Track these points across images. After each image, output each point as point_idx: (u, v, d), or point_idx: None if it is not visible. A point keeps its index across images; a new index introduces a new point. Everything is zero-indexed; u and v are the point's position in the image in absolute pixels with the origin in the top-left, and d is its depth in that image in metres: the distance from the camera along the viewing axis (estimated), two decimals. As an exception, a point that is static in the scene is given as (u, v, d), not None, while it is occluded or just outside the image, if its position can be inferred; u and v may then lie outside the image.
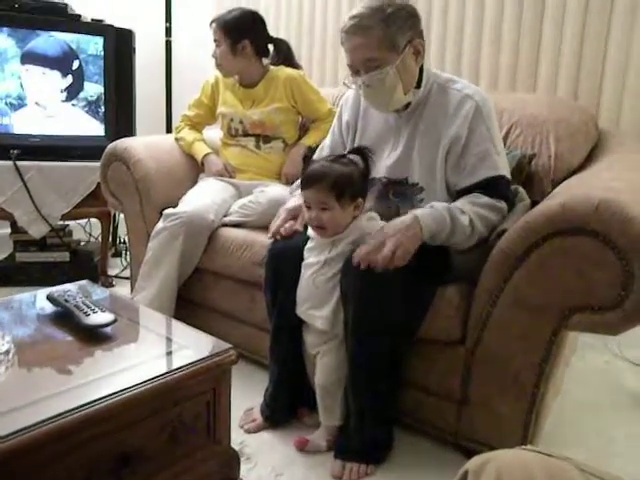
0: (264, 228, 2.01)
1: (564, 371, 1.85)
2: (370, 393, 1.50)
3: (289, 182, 2.22)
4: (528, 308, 1.40)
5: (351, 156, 1.55)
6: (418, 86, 1.59)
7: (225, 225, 2.07)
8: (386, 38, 1.45)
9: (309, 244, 1.59)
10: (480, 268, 1.50)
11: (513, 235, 1.40)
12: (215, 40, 2.20)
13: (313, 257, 1.56)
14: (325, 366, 1.57)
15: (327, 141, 1.90)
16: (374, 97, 1.56)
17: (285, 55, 2.31)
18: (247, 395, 1.75)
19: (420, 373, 1.59)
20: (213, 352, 1.14)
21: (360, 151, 1.55)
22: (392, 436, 1.59)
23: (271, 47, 2.29)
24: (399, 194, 1.62)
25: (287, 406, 1.68)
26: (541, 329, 1.40)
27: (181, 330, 1.28)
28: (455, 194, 1.56)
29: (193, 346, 1.17)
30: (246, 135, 2.26)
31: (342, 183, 1.47)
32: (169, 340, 1.22)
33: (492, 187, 1.53)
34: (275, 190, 2.10)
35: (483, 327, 1.48)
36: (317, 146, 2.22)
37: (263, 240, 1.91)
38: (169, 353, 1.15)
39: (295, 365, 1.65)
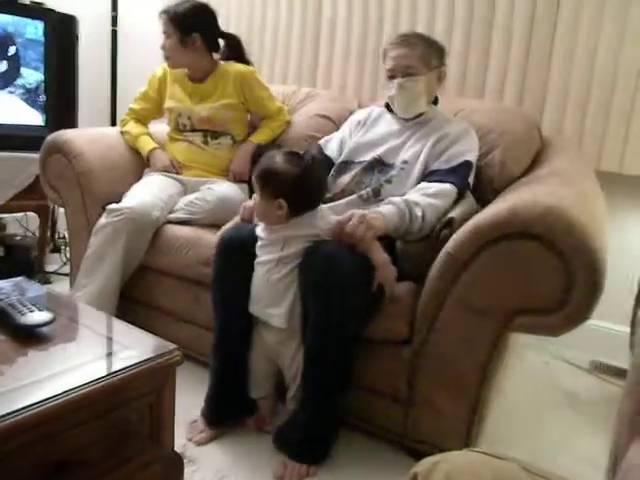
0: (210, 226, 1.98)
1: (504, 371, 1.89)
2: (323, 389, 1.50)
3: (236, 180, 2.19)
4: (473, 310, 1.43)
5: (307, 159, 1.53)
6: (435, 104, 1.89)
7: (170, 222, 2.02)
8: (424, 55, 1.77)
9: (260, 242, 1.57)
10: (422, 259, 1.57)
11: (461, 238, 1.42)
12: (164, 32, 2.14)
13: (265, 255, 1.54)
14: (292, 363, 1.57)
15: (337, 134, 2.02)
16: (403, 97, 1.80)
17: (236, 50, 2.27)
18: (190, 396, 1.70)
19: (366, 373, 1.60)
20: (157, 353, 1.10)
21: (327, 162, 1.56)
22: (337, 435, 1.59)
23: (221, 42, 2.25)
24: (382, 171, 1.80)
25: (232, 407, 1.65)
26: (485, 331, 1.43)
27: (123, 330, 1.23)
28: (427, 174, 1.74)
29: (136, 346, 1.12)
30: (194, 130, 2.21)
31: (267, 176, 1.51)
32: (110, 340, 1.17)
33: (453, 172, 1.70)
34: (223, 188, 2.06)
35: (429, 328, 1.50)
36: (265, 144, 2.23)
37: (209, 239, 1.88)
38: (110, 354, 1.10)
39: (243, 365, 1.62)
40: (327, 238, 1.50)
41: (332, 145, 1.95)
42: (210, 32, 2.18)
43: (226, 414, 1.65)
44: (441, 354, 1.49)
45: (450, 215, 1.60)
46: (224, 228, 1.76)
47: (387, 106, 1.91)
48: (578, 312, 1.31)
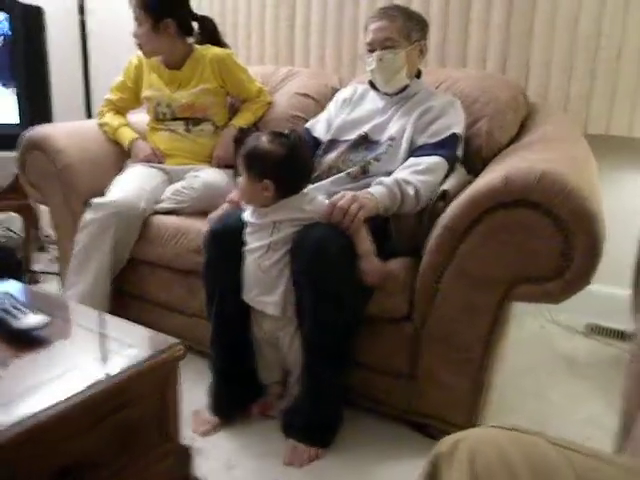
0: (199, 215, 1.95)
1: (505, 340, 1.90)
2: (327, 373, 1.49)
3: (220, 165, 2.15)
4: (473, 282, 1.42)
5: (293, 139, 1.50)
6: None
7: (157, 213, 1.98)
8: (404, 28, 1.74)
9: (248, 228, 1.54)
10: (418, 233, 1.58)
11: (456, 211, 1.41)
12: (136, 19, 2.08)
13: (255, 242, 1.52)
14: (291, 349, 1.56)
15: (323, 114, 1.97)
16: (382, 70, 1.76)
17: (211, 34, 2.22)
18: (191, 387, 1.68)
19: (367, 351, 1.59)
20: (159, 349, 1.08)
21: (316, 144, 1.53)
22: (342, 415, 1.58)
23: (195, 25, 2.19)
24: (368, 148, 1.77)
25: (237, 395, 1.64)
26: (486, 302, 1.42)
27: (122, 327, 1.20)
28: (413, 149, 1.71)
29: (137, 343, 1.10)
30: (174, 119, 2.16)
31: (253, 157, 1.48)
32: (109, 339, 1.14)
33: (441, 145, 1.68)
34: (209, 174, 2.02)
35: (429, 303, 1.49)
36: (248, 127, 2.18)
37: (199, 227, 1.85)
38: (111, 353, 1.08)
39: (245, 353, 1.61)
40: (317, 220, 1.48)
41: (320, 126, 1.92)
42: (183, 16, 2.12)
43: (231, 403, 1.64)
44: (442, 328, 1.48)
45: (443, 187, 1.58)
46: (211, 216, 1.73)
47: (371, 83, 1.88)
48: (578, 278, 1.31)
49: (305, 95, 2.23)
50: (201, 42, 2.19)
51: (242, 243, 1.55)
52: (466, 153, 1.80)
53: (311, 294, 1.43)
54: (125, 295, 2.03)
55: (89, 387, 0.93)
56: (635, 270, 1.27)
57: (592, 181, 1.43)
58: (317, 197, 1.53)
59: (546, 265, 1.33)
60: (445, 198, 1.56)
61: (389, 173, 1.69)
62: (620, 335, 2.18)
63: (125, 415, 1.01)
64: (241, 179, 1.52)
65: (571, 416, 1.70)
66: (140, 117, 2.33)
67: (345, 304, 1.45)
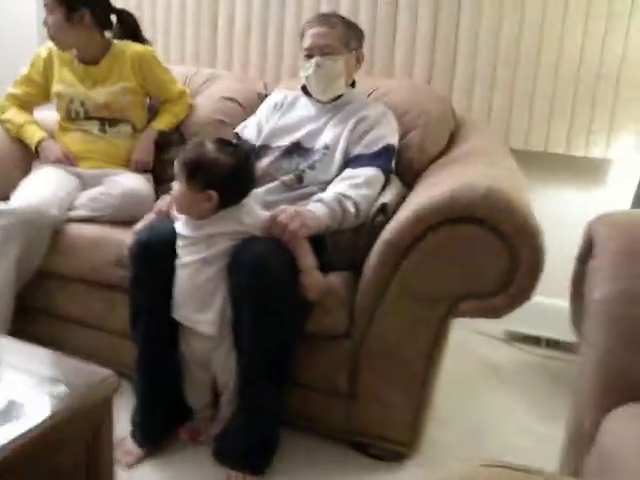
0: (118, 224, 1.80)
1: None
2: (265, 392, 1.42)
3: (139, 170, 2.00)
4: (417, 298, 1.40)
5: (243, 148, 1.42)
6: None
7: (71, 221, 1.81)
8: (344, 35, 1.71)
9: (180, 241, 1.43)
10: (355, 247, 1.55)
11: (401, 225, 1.38)
12: (46, 5, 1.89)
13: (189, 256, 1.41)
14: (224, 369, 1.46)
15: (253, 119, 1.88)
16: (320, 77, 1.70)
17: (131, 29, 2.06)
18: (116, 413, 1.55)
19: (305, 370, 1.52)
20: (90, 382, 0.96)
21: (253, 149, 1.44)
22: (278, 437, 1.51)
23: (114, 19, 2.03)
24: (301, 155, 1.70)
25: (163, 422, 1.52)
26: (430, 318, 1.41)
27: (44, 357, 1.06)
28: (348, 160, 1.67)
29: (63, 377, 0.97)
30: (89, 118, 1.99)
31: (198, 165, 1.37)
32: (30, 373, 0.99)
33: (377, 157, 1.64)
34: (130, 180, 1.88)
35: (370, 319, 1.45)
36: (169, 130, 2.07)
37: (120, 237, 1.71)
38: (29, 392, 0.93)
39: (172, 375, 1.50)
40: (255, 234, 1.41)
41: (250, 131, 1.83)
42: (100, 7, 1.95)
43: (157, 430, 1.52)
44: (384, 344, 1.45)
45: (382, 201, 1.55)
46: (137, 227, 1.60)
47: (304, 89, 1.82)
48: (522, 292, 1.33)
49: (231, 99, 2.13)
50: (120, 37, 2.04)
51: (173, 256, 1.44)
52: (398, 164, 1.78)
53: (251, 311, 1.35)
54: (31, 311, 1.84)
55: (9, 440, 0.79)
56: (572, 285, 1.30)
57: (526, 196, 1.45)
58: (254, 209, 1.45)
59: (491, 280, 1.33)
60: (384, 211, 1.53)
61: (324, 183, 1.65)
62: (537, 341, 2.25)
63: (50, 463, 0.88)
64: (176, 187, 1.40)
65: (505, 426, 1.72)
66: (46, 114, 2.13)
67: (286, 320, 1.38)
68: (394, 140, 1.71)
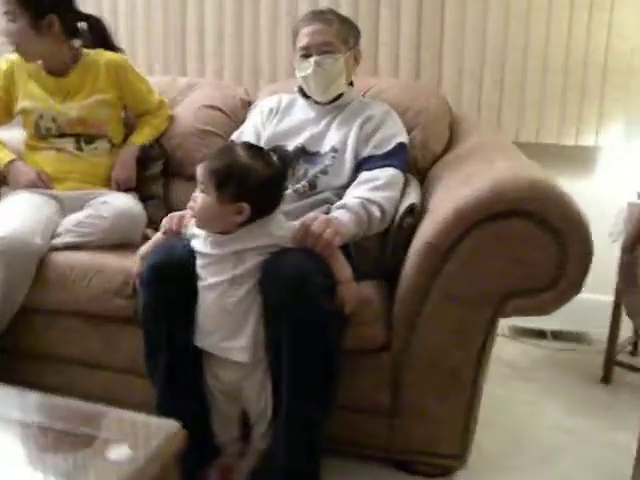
0: (111, 248, 1.64)
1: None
2: (308, 417, 1.29)
3: (120, 189, 1.84)
4: (461, 301, 1.32)
5: (274, 159, 1.29)
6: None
7: (56, 249, 1.63)
8: (341, 32, 1.62)
9: (201, 260, 1.29)
10: (382, 254, 1.48)
11: (441, 225, 1.29)
12: (6, 13, 1.71)
13: (213, 276, 1.27)
14: (258, 397, 1.33)
15: (248, 126, 1.74)
16: (320, 77, 1.60)
17: (101, 36, 1.89)
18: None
19: (342, 389, 1.40)
20: (156, 441, 0.81)
21: (277, 153, 1.31)
22: (319, 466, 1.39)
23: (84, 26, 1.86)
24: (309, 161, 1.61)
25: (192, 464, 1.36)
26: (477, 322, 1.33)
27: (85, 412, 0.90)
28: (360, 161, 1.58)
29: (121, 436, 0.82)
30: (62, 135, 1.80)
31: (229, 175, 1.24)
32: (78, 434, 0.83)
33: (391, 156, 1.56)
34: (120, 200, 1.71)
35: (411, 329, 1.36)
36: (150, 144, 1.92)
37: (117, 263, 1.56)
38: (93, 458, 0.78)
39: (198, 413, 1.35)
40: (286, 246, 1.29)
41: (247, 138, 1.69)
42: (69, 13, 1.78)
43: (185, 472, 1.36)
44: (428, 354, 1.36)
45: (410, 202, 1.46)
46: (143, 250, 1.44)
47: (301, 90, 1.72)
48: (573, 285, 1.27)
49: (213, 107, 2.00)
50: (89, 46, 1.87)
51: (191, 279, 1.30)
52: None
53: (291, 329, 1.23)
54: (16, 355, 1.64)
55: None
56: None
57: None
58: (282, 219, 1.34)
59: (541, 276, 1.27)
60: (413, 213, 1.45)
61: (337, 188, 1.56)
62: (543, 334, 2.23)
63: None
64: (200, 199, 1.26)
65: (538, 425, 1.68)
66: (6, 133, 1.92)
67: (328, 336, 1.27)
68: (405, 138, 1.63)
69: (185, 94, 2.09)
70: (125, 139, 1.93)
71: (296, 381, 1.26)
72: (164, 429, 0.82)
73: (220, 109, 2.01)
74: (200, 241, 1.31)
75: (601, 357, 1.93)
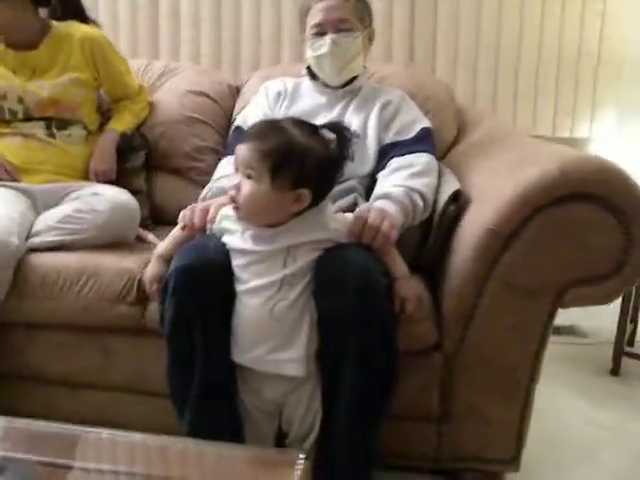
0: (102, 248, 1.41)
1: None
2: (372, 434, 1.15)
3: (100, 182, 1.61)
4: (520, 293, 1.22)
5: (328, 134, 1.13)
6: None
7: (35, 250, 1.39)
8: (358, 9, 1.50)
9: (241, 260, 1.11)
10: (423, 245, 1.37)
11: (501, 211, 1.19)
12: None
13: (259, 278, 1.09)
14: (307, 413, 1.15)
15: (252, 109, 1.57)
16: (337, 56, 1.47)
17: (74, 7, 1.66)
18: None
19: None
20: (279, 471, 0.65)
21: (337, 130, 1.15)
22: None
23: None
24: None
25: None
26: (536, 314, 1.24)
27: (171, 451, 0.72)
28: (384, 148, 1.47)
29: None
30: (29, 119, 1.56)
31: (287, 156, 1.06)
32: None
33: (419, 141, 1.46)
34: (114, 192, 1.48)
35: (465, 325, 1.25)
36: (131, 134, 1.71)
37: (114, 264, 1.35)
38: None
39: (236, 434, 1.16)
40: (340, 241, 1.14)
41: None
42: (36, -22, 1.55)
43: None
44: (483, 352, 1.25)
45: (453, 188, 1.35)
46: (160, 250, 1.24)
47: (310, 73, 1.57)
48: (635, 273, 1.21)
49: (200, 93, 1.82)
50: (61, 17, 1.63)
51: (230, 282, 1.12)
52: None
53: (358, 337, 1.08)
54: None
55: None
56: None
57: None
58: (332, 210, 1.19)
59: (606, 262, 1.19)
60: (457, 200, 1.34)
61: (362, 176, 1.44)
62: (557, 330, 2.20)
63: None
64: (250, 186, 1.07)
65: (572, 422, 1.63)
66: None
67: (393, 341, 1.13)
68: (428, 122, 1.53)
69: (163, 79, 1.88)
70: (100, 127, 1.70)
71: (361, 393, 1.11)
72: (285, 459, 0.65)
73: (208, 95, 1.83)
74: (237, 237, 1.13)
75: (600, 350, 1.92)
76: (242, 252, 1.11)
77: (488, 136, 1.65)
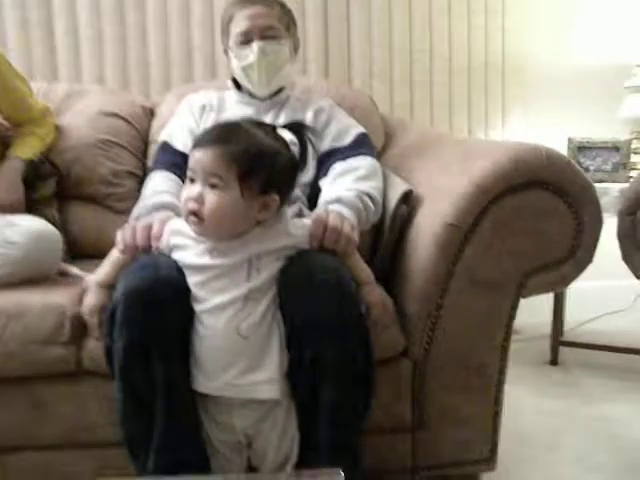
0: (20, 285, 1.23)
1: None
2: (356, 452, 1.07)
3: (6, 213, 1.42)
4: (484, 286, 1.21)
5: (286, 134, 1.06)
6: None
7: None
8: (284, 17, 1.47)
9: (198, 277, 1.01)
10: (373, 248, 1.36)
11: (459, 203, 1.17)
12: None
13: (221, 294, 0.99)
14: (281, 439, 1.05)
15: (177, 124, 1.48)
16: (265, 65, 1.43)
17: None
18: None
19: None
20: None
21: (298, 130, 1.08)
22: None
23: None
24: None
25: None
26: (501, 306, 1.23)
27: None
28: (323, 155, 1.43)
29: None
30: None
31: (257, 160, 0.99)
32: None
33: (359, 146, 1.43)
34: (31, 221, 1.30)
35: (433, 326, 1.21)
36: (39, 161, 1.54)
37: (39, 301, 1.18)
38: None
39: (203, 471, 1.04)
40: (304, 247, 1.06)
41: (181, 138, 1.42)
42: None
43: None
44: (453, 353, 1.23)
45: (404, 188, 1.32)
46: (99, 277, 1.10)
47: (236, 83, 1.51)
48: (588, 254, 1.23)
49: (113, 115, 1.68)
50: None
51: (187, 302, 1.01)
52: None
53: (336, 345, 1.00)
54: None
55: None
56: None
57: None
58: (290, 215, 1.12)
59: (560, 247, 1.21)
60: (407, 200, 1.31)
61: (303, 185, 1.39)
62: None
63: None
64: (215, 196, 0.97)
65: (529, 416, 1.64)
66: None
67: (370, 345, 1.07)
68: (362, 128, 1.51)
69: (69, 101, 1.72)
70: (1, 156, 1.52)
71: (344, 405, 1.03)
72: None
73: (121, 116, 1.70)
74: (190, 252, 1.02)
75: (534, 344, 1.97)
76: (199, 268, 1.01)
77: (422, 138, 1.67)
